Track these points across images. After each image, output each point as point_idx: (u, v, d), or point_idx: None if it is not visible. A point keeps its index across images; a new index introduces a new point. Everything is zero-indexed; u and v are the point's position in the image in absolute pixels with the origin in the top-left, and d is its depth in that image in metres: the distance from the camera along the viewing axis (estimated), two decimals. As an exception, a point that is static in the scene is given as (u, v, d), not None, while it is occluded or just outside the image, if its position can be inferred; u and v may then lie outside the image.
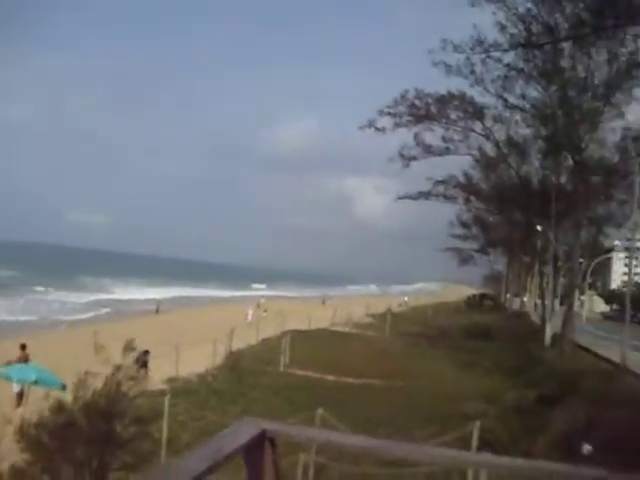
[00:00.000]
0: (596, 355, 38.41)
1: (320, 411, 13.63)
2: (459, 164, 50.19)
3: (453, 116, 37.08)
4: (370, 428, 16.37)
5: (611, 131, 36.41)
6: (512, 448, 14.83)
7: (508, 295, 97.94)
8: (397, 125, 36.11)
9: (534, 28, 25.16)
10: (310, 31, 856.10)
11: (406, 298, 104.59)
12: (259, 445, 2.75)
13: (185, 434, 16.03)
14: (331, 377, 25.96)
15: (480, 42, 21.86)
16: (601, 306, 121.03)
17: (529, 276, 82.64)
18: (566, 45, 29.17)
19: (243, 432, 2.71)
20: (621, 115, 34.16)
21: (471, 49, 22.20)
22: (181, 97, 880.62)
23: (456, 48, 23.23)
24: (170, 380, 22.95)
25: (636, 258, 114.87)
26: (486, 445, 13.67)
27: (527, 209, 45.38)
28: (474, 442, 11.60)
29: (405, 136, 38.16)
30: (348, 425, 14.34)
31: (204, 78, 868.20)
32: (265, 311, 55.19)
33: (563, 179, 41.22)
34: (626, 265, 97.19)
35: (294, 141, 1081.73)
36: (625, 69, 30.17)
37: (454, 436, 12.98)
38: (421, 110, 36.22)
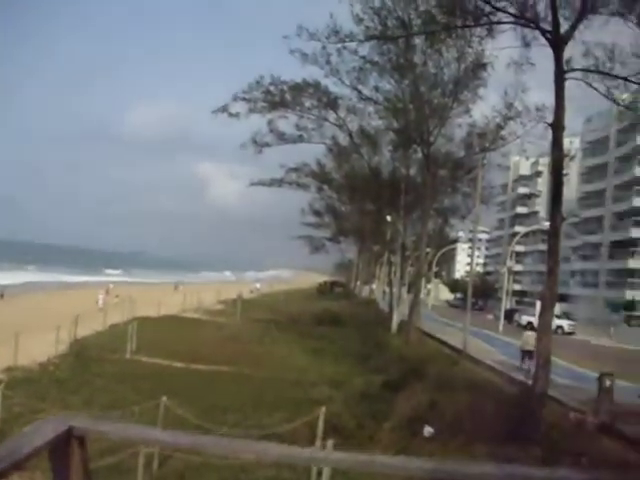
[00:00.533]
0: (440, 341, 40.07)
1: (164, 399, 13.35)
2: (313, 153, 50.73)
3: (307, 104, 37.31)
4: (217, 415, 16.25)
5: (458, 127, 37.87)
6: (358, 433, 15.16)
7: (358, 283, 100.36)
8: (251, 111, 35.92)
9: (389, 22, 25.69)
10: (168, 15, 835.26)
11: (258, 285, 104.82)
12: (65, 444, 2.55)
13: (18, 427, 15.23)
14: (180, 364, 25.57)
15: (336, 32, 22.12)
16: (446, 294, 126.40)
17: (378, 265, 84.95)
18: (419, 41, 29.95)
19: (47, 430, 2.51)
20: (468, 112, 35.59)
21: (327, 38, 22.40)
22: (46, 82, 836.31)
23: (312, 36, 23.35)
24: (8, 370, 21.78)
25: (478, 249, 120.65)
26: (333, 430, 13.89)
27: (378, 199, 46.52)
28: (320, 428, 11.71)
29: (259, 122, 38.09)
30: (193, 412, 14.16)
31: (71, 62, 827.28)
32: (117, 297, 53.66)
33: (412, 171, 42.49)
34: (469, 255, 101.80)
35: (154, 125, 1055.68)
36: (472, 69, 31.39)
37: (302, 422, 13.10)
38: (276, 97, 36.18)
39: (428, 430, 14.56)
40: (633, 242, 75.84)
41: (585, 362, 36.71)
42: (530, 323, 67.66)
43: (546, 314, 18.18)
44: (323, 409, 12.01)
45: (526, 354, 31.39)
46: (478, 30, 20.04)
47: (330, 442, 10.69)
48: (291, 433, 13.42)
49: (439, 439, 14.07)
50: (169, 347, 28.58)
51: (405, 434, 15.07)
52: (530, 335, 33.08)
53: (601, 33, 17.72)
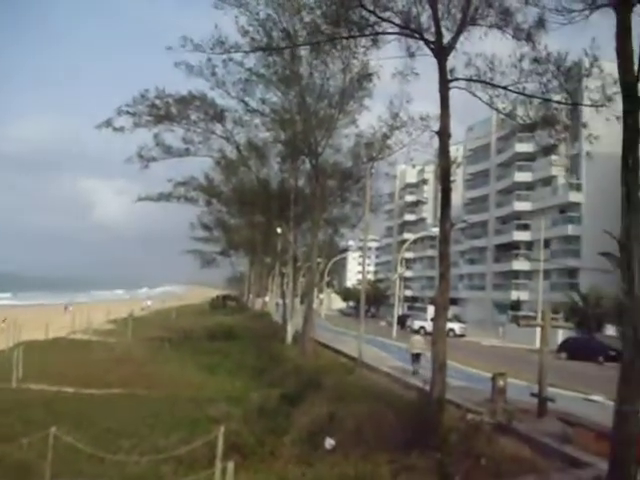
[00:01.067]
0: (336, 351, 40.19)
1: (53, 429, 12.67)
2: (201, 166, 50.00)
3: (194, 117, 36.73)
4: (111, 441, 15.61)
5: (345, 137, 38.18)
6: (259, 449, 14.89)
7: (251, 296, 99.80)
8: (137, 125, 35.03)
9: (274, 33, 25.66)
10: (51, 26, 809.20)
11: (149, 302, 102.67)
12: None
13: None
14: (70, 389, 24.49)
15: (221, 42, 21.83)
16: (339, 303, 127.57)
17: (271, 276, 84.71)
18: (305, 53, 30.08)
19: None
20: (354, 122, 35.94)
21: (211, 49, 22.05)
22: None
23: (196, 47, 22.90)
24: None
25: (369, 257, 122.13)
26: (233, 449, 13.58)
27: (267, 211, 46.31)
28: (219, 447, 11.38)
29: (146, 136, 37.20)
30: (86, 440, 13.53)
31: None
32: (3, 321, 50.98)
33: (301, 182, 42.51)
34: (360, 264, 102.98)
35: (35, 139, 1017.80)
36: (357, 79, 31.74)
37: (200, 442, 12.72)
38: (161, 110, 35.44)
39: (329, 442, 14.46)
40: (516, 245, 78.70)
41: (477, 363, 37.72)
42: (422, 328, 69.27)
43: (440, 319, 18.48)
44: (222, 428, 11.67)
45: (414, 357, 32.29)
46: (363, 41, 20.23)
47: (230, 465, 10.38)
48: (190, 454, 13.03)
49: (341, 450, 13.99)
50: (58, 372, 27.38)
51: (306, 447, 14.92)
52: (416, 339, 34.01)
53: (482, 44, 18.23)
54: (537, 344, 53.62)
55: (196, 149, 38.82)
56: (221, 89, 32.91)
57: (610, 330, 52.15)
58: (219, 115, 36.96)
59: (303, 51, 29.56)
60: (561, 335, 48.79)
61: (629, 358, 10.46)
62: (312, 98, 34.12)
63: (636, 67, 11.03)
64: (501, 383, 22.65)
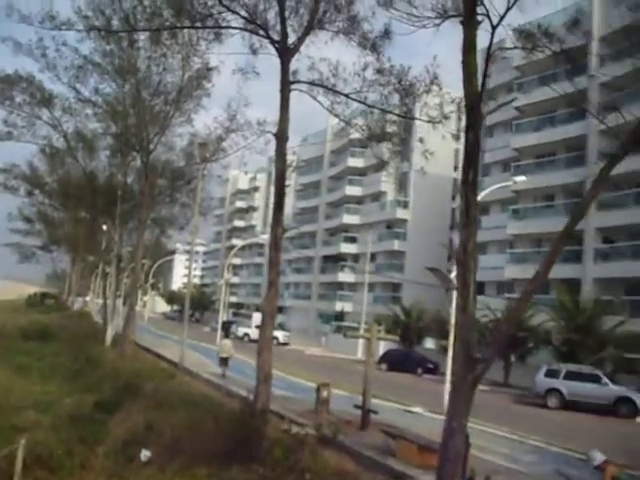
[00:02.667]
0: (157, 355, 38.78)
1: None
2: (24, 153, 47.01)
3: (18, 99, 34.23)
4: None
5: (179, 136, 37.12)
6: (68, 461, 13.61)
7: (72, 295, 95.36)
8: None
9: (113, 16, 24.38)
10: None
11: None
12: None
13: None
14: None
15: (52, 17, 20.16)
16: (163, 306, 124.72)
17: (94, 276, 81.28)
18: (143, 45, 28.88)
19: None
20: (190, 121, 34.95)
21: (40, 22, 20.27)
22: None
23: (24, 18, 20.98)
24: None
25: (196, 261, 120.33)
26: (38, 462, 12.31)
27: (93, 207, 44.06)
28: (19, 461, 10.16)
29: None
30: None
31: None
32: None
33: (130, 179, 40.94)
34: (186, 267, 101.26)
35: None
36: (196, 77, 30.88)
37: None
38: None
39: (145, 454, 13.47)
40: (343, 257, 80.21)
41: (300, 372, 37.64)
42: (247, 334, 68.96)
43: (266, 328, 17.88)
44: (23, 439, 10.45)
45: (222, 360, 32.31)
46: (206, 33, 19.41)
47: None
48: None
49: (157, 463, 13.04)
50: None
51: (120, 459, 13.83)
52: (225, 343, 33.91)
53: (327, 49, 17.97)
54: (359, 354, 55.42)
55: (19, 134, 36.09)
56: (51, 73, 30.78)
57: (429, 343, 54.10)
58: (47, 100, 34.78)
59: (142, 42, 28.30)
60: (382, 347, 50.01)
61: (460, 374, 10.34)
62: (148, 93, 32.81)
63: (480, 81, 11.01)
64: (325, 394, 22.50)
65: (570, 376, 33.84)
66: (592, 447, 19.44)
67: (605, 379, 33.36)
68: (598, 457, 11.59)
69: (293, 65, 17.51)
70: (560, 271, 37.55)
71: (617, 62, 37.35)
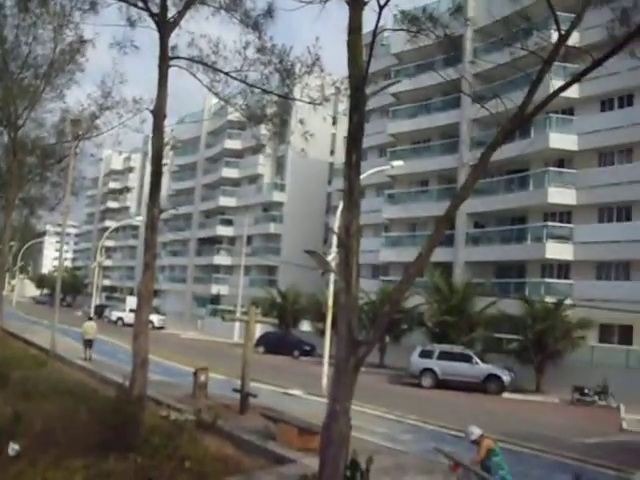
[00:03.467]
0: (27, 341, 37.12)
1: None
2: None
3: None
4: None
5: (50, 112, 35.40)
6: None
7: None
8: None
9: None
10: None
11: None
12: None
13: None
14: None
15: None
16: (32, 290, 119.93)
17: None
18: (11, 13, 27.31)
19: None
20: (61, 97, 33.38)
21: None
22: None
23: None
24: None
25: (67, 243, 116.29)
26: None
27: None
28: None
29: None
30: None
31: None
32: None
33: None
34: (57, 250, 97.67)
35: None
36: (69, 51, 29.55)
37: None
38: None
39: (13, 447, 12.69)
40: (218, 239, 79.35)
41: (177, 356, 37.05)
42: (120, 319, 67.33)
43: (142, 312, 17.35)
44: None
45: (87, 342, 32.56)
46: (80, 2, 18.53)
47: None
48: None
49: (27, 456, 12.33)
50: None
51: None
52: (89, 324, 33.21)
53: (208, 25, 17.54)
54: (235, 338, 55.16)
55: None
56: None
57: (306, 326, 54.47)
58: None
59: (9, 9, 26.73)
60: (259, 329, 49.94)
61: (343, 357, 10.29)
62: (16, 65, 31.01)
63: (365, 63, 10.94)
64: (203, 378, 22.17)
65: (443, 356, 34.96)
66: (465, 423, 20.07)
67: (475, 358, 34.68)
68: (475, 432, 11.88)
69: (172, 40, 17.01)
70: (434, 254, 38.31)
71: (491, 53, 38.68)
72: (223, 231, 78.61)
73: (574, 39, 16.41)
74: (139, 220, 74.63)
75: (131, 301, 62.07)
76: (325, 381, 27.90)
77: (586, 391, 31.85)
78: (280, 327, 51.84)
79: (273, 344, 48.62)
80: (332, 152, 71.45)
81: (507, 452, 13.42)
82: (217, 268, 78.85)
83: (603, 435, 23.40)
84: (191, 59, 17.42)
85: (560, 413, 29.01)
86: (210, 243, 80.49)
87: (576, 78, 11.54)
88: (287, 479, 12.21)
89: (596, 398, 31.63)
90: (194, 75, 17.72)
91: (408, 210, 51.10)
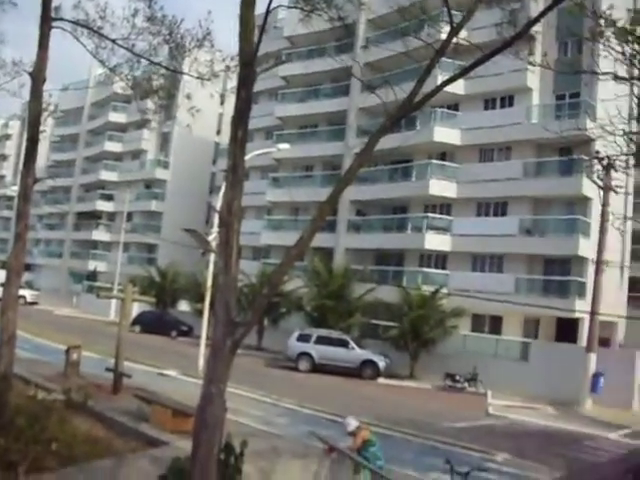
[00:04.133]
0: None
1: None
2: None
3: None
4: None
5: None
6: None
7: None
8: None
9: None
10: None
11: None
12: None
13: None
14: None
15: None
16: None
17: None
18: None
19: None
20: None
21: None
22: None
23: None
24: None
25: None
26: None
27: None
28: None
29: None
30: None
31: None
32: None
33: None
34: None
35: None
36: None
37: None
38: None
39: None
40: (98, 214, 76.97)
41: (49, 333, 35.72)
42: (-12, 293, 64.18)
43: (11, 286, 16.42)
44: None
45: None
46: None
47: None
48: None
49: None
50: None
51: None
52: None
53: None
54: (111, 316, 53.76)
55: None
56: None
57: (184, 306, 53.71)
58: None
59: None
60: (136, 308, 48.85)
61: (220, 338, 10.06)
62: None
63: (256, 37, 10.70)
64: (75, 356, 21.43)
65: (320, 341, 35.27)
66: (340, 407, 20.33)
67: (352, 344, 35.19)
68: (353, 423, 11.93)
69: (56, 0, 16.09)
70: (315, 240, 38.37)
71: (383, 43, 39.10)
72: (103, 206, 76.32)
73: (463, 37, 16.73)
74: (14, 190, 71.27)
75: (1, 275, 59.35)
76: (202, 362, 27.60)
77: (457, 378, 32.97)
78: (158, 306, 50.88)
79: (150, 323, 47.69)
80: (218, 132, 70.62)
81: (380, 436, 13.59)
82: (95, 244, 76.54)
83: (471, 420, 24.28)
84: (75, 22, 16.57)
85: (432, 399, 29.87)
86: (89, 218, 77.91)
87: (464, 71, 11.70)
88: (159, 462, 11.90)
89: (466, 385, 32.82)
90: (78, 39, 16.87)
91: (291, 194, 51.13)
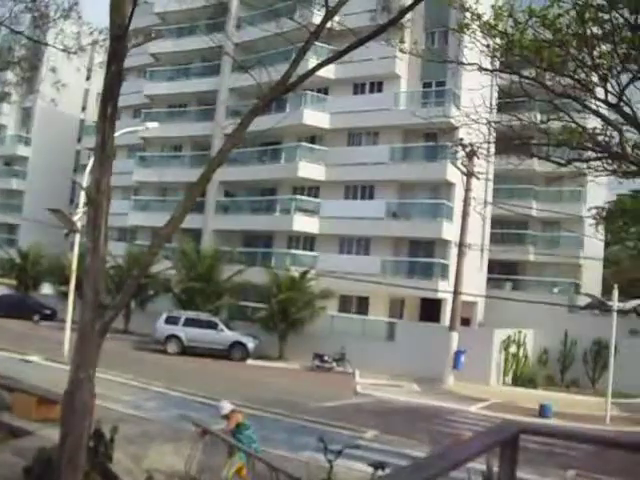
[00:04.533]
0: None
1: None
2: None
3: None
4: None
5: None
6: None
7: None
8: None
9: None
10: None
11: None
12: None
13: None
14: None
15: None
16: None
17: None
18: None
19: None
20: None
21: None
22: None
23: None
24: None
25: None
26: None
27: None
28: None
29: None
30: None
31: None
32: None
33: None
34: None
35: None
36: None
37: None
38: None
39: None
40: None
41: None
42: None
43: None
44: None
45: None
46: None
47: None
48: None
49: None
50: None
51: None
52: None
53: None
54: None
55: None
56: None
57: (47, 289, 51.70)
58: None
59: None
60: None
61: (88, 321, 9.75)
62: None
63: (129, 10, 10.35)
64: None
65: (189, 323, 34.94)
66: (210, 389, 20.22)
67: (221, 325, 35.06)
68: (227, 407, 11.87)
69: None
70: (183, 221, 38.11)
71: (256, 25, 38.88)
72: None
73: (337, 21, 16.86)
74: None
75: None
76: (67, 347, 26.67)
77: (325, 358, 33.50)
78: (19, 289, 48.72)
79: (10, 307, 45.46)
80: (84, 108, 68.07)
81: (251, 418, 13.61)
82: None
83: (340, 399, 24.74)
84: None
85: (301, 379, 30.21)
86: None
87: (338, 55, 11.82)
88: (24, 453, 11.41)
89: (334, 364, 33.41)
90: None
91: (160, 174, 50.01)
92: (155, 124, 39.72)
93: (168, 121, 50.10)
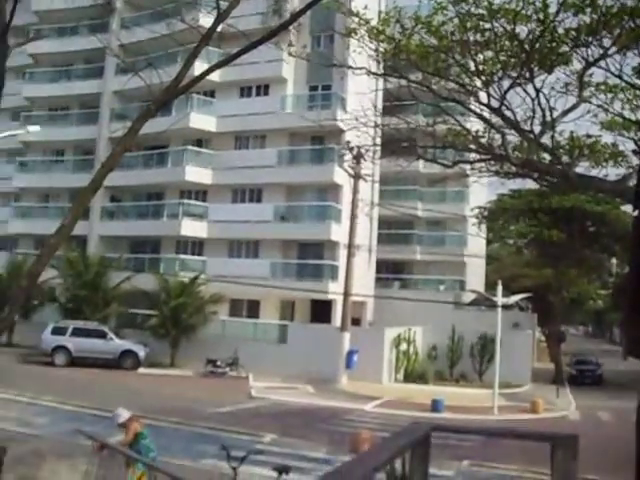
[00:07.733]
0: None
1: None
2: None
3: None
4: None
5: None
6: None
7: None
8: None
9: None
10: None
11: None
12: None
13: None
14: None
15: None
16: None
17: None
18: None
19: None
20: None
21: None
22: None
23: None
24: None
25: None
26: None
27: None
28: None
29: None
30: None
31: None
32: None
33: None
34: None
35: None
36: None
37: None
38: None
39: None
40: None
41: None
42: None
43: None
44: None
45: None
46: None
47: None
48: None
49: None
50: None
51: None
52: None
53: None
54: None
55: None
56: None
57: None
58: None
59: None
60: None
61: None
62: None
63: (9, 10, 10.00)
64: None
65: (77, 333, 33.94)
66: (102, 401, 19.68)
67: (110, 334, 34.24)
68: (123, 415, 11.54)
69: None
70: (70, 228, 37.00)
71: (141, 26, 38.17)
72: None
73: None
74: None
75: None
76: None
77: (218, 363, 33.23)
78: None
79: None
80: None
81: (147, 427, 13.32)
82: None
83: (235, 403, 24.64)
84: None
85: (194, 385, 29.88)
86: None
87: (231, 57, 11.81)
88: None
89: (227, 369, 33.19)
90: None
91: (42, 180, 48.28)
92: (37, 128, 38.23)
93: (50, 125, 48.36)
